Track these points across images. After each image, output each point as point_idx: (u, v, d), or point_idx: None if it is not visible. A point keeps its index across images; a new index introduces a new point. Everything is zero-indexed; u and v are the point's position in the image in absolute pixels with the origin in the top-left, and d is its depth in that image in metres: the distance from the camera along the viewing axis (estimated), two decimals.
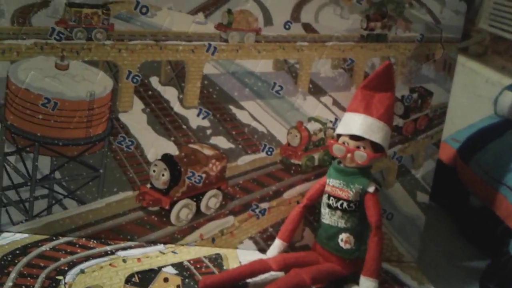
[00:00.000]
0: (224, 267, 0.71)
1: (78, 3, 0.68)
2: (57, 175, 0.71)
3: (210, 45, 0.73)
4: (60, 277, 0.63)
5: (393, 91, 0.73)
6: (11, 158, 0.70)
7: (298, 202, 0.76)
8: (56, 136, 0.69)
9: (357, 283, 0.69)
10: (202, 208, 0.75)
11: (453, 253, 0.89)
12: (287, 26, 0.75)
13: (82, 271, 0.65)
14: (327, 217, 0.71)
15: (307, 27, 0.76)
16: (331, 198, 0.70)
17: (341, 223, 0.70)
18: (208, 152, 0.75)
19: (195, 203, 0.75)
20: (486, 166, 0.89)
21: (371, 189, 0.69)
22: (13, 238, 0.69)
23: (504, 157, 0.87)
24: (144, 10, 0.70)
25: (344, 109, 0.75)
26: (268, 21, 0.74)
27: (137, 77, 0.71)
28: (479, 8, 1.67)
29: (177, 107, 0.74)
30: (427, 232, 0.82)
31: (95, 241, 0.72)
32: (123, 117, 0.72)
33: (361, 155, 0.68)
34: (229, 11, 0.72)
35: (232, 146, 0.75)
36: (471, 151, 0.94)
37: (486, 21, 1.63)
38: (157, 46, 0.71)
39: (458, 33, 0.78)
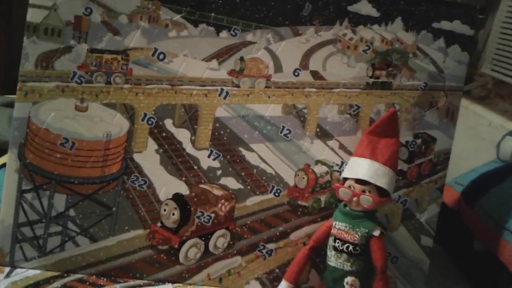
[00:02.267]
0: None
1: (100, 49, 0.72)
2: (71, 212, 0.73)
3: (222, 90, 0.76)
4: None
5: (398, 137, 0.75)
6: (28, 196, 0.72)
7: (304, 244, 0.78)
8: (73, 174, 0.72)
9: None
10: (211, 247, 0.77)
11: None
12: (296, 73, 0.78)
13: None
14: (333, 259, 0.72)
15: (315, 75, 0.79)
16: (337, 240, 0.71)
17: (347, 266, 0.71)
18: (217, 192, 0.77)
19: (203, 242, 0.76)
20: (491, 211, 0.90)
21: (376, 232, 0.70)
22: (26, 274, 0.71)
23: (508, 203, 0.88)
24: (161, 56, 0.74)
25: (350, 153, 0.78)
26: (278, 68, 0.78)
27: (152, 119, 0.74)
28: (482, 53, 1.72)
29: (189, 148, 0.76)
30: (432, 276, 0.82)
31: (105, 279, 0.73)
32: (137, 157, 0.74)
33: (367, 199, 0.70)
34: (242, 59, 0.76)
35: (241, 187, 0.78)
36: (475, 195, 0.95)
37: (488, 66, 1.67)
38: (172, 90, 0.75)
39: (460, 82, 0.81)
